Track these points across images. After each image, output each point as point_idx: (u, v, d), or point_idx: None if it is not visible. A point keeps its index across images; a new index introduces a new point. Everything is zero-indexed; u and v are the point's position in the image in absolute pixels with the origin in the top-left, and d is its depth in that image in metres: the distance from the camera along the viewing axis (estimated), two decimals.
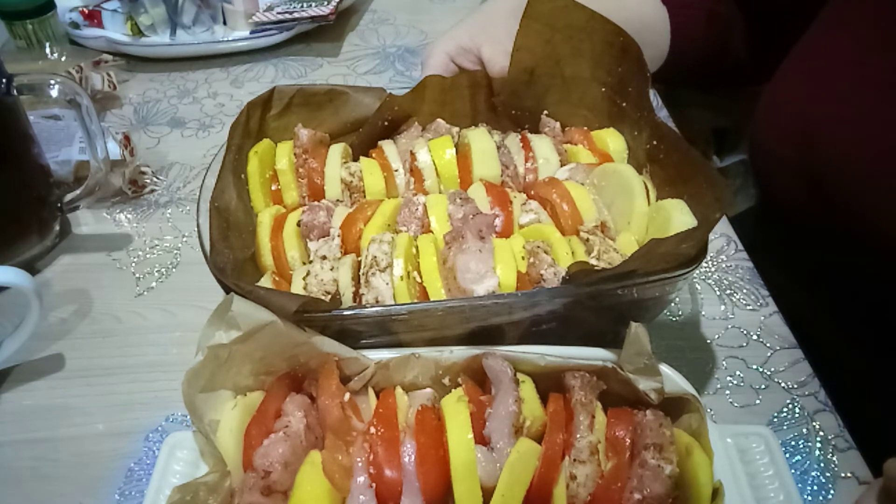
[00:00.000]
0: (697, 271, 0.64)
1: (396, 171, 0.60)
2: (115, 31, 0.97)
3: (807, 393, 0.54)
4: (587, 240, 0.52)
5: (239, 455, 0.40)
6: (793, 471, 0.48)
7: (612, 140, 0.61)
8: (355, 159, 0.62)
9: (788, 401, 0.54)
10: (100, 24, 0.97)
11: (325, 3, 0.99)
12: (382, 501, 0.38)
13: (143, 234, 0.71)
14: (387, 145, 0.62)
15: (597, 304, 0.46)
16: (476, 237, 0.49)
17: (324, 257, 0.51)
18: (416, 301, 0.48)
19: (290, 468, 0.39)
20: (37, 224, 0.67)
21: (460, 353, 0.44)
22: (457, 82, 0.65)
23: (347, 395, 0.42)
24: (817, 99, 0.60)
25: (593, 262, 0.50)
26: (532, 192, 0.58)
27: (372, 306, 0.46)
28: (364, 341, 0.46)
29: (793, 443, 0.51)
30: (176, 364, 0.57)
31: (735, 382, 0.55)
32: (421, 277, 0.49)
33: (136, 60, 0.98)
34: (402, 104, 0.64)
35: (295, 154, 0.60)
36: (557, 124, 0.64)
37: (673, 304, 0.61)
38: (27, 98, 0.64)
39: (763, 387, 0.55)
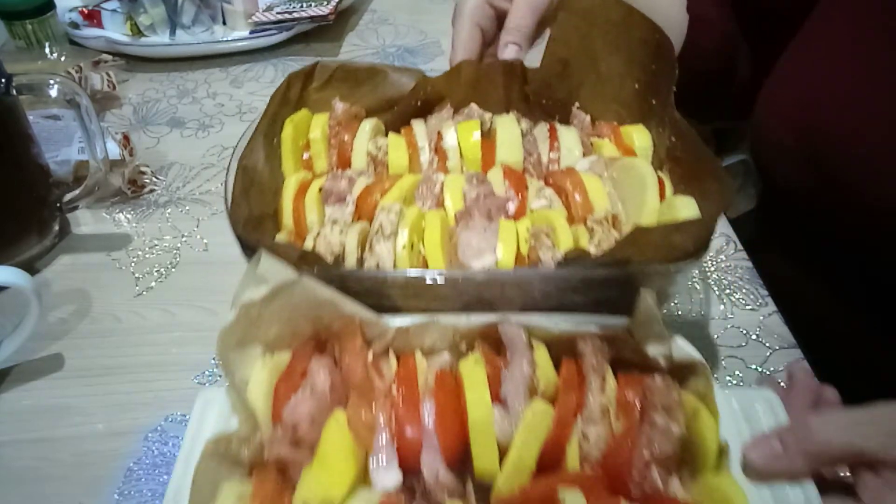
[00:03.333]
0: (696, 271, 0.65)
1: (422, 149, 0.61)
2: (114, 31, 0.97)
3: None
4: (591, 229, 0.52)
5: (268, 410, 0.42)
6: None
7: (639, 136, 0.60)
8: (387, 136, 0.63)
9: None
10: (99, 24, 0.97)
11: (325, 3, 0.99)
12: (403, 457, 0.40)
13: (142, 234, 0.71)
14: (417, 124, 0.63)
15: (590, 294, 0.46)
16: (484, 216, 0.50)
17: (335, 221, 0.52)
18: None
19: (316, 423, 0.40)
20: (36, 224, 0.67)
21: (477, 319, 0.45)
22: (492, 69, 0.65)
23: (371, 356, 0.44)
24: (818, 83, 0.60)
25: (592, 249, 0.50)
26: (550, 181, 0.58)
27: (369, 270, 0.47)
28: None
29: None
30: (176, 364, 0.57)
31: (734, 382, 0.55)
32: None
33: (136, 60, 0.98)
34: (436, 86, 0.65)
35: (329, 126, 0.61)
36: (588, 117, 0.64)
37: (672, 304, 0.61)
38: (27, 98, 0.64)
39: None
